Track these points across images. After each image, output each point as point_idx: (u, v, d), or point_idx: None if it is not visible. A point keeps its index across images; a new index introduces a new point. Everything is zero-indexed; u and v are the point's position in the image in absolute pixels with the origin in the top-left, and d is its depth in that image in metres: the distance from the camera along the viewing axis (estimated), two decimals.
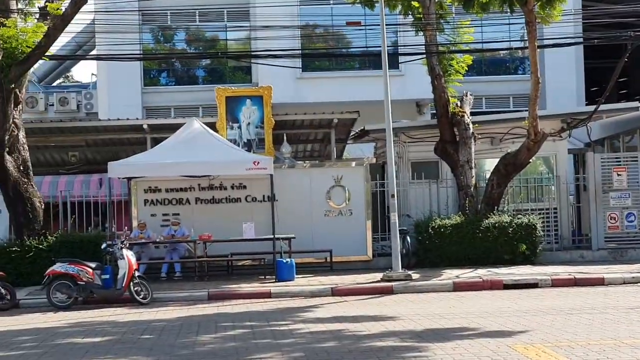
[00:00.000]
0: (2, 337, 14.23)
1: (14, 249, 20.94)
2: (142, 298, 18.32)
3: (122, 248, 18.51)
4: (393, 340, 12.23)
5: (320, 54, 35.86)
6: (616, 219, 23.63)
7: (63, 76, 57.09)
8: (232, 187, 22.89)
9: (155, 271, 22.15)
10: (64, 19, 20.07)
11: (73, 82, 61.69)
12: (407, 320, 14.31)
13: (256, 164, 20.68)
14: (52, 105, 38.48)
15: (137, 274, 18.51)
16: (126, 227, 20.92)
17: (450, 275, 20.22)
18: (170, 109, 37.42)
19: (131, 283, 18.30)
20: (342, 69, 37.07)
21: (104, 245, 19.01)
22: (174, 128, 22.81)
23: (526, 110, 22.72)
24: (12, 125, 20.97)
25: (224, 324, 14.76)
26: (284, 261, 20.63)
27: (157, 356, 11.68)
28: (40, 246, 20.91)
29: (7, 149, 21.00)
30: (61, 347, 12.75)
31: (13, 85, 20.40)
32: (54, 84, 49.89)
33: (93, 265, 18.48)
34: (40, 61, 23.17)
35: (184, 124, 22.36)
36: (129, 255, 18.50)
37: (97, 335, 13.82)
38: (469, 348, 11.32)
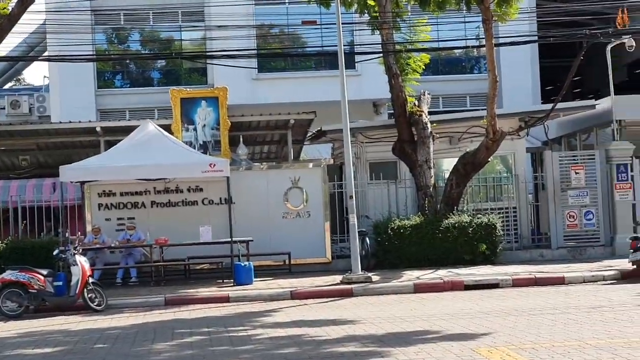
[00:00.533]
0: None
1: None
2: (96, 305, 17.87)
3: (75, 254, 18.06)
4: (354, 345, 11.96)
5: (276, 54, 35.57)
6: (575, 217, 23.58)
7: (14, 79, 56.27)
8: (189, 190, 22.52)
9: (110, 277, 21.68)
10: (11, 19, 19.59)
11: (25, 85, 60.94)
12: (367, 323, 14.04)
13: (212, 166, 20.34)
14: (4, 108, 37.82)
15: (91, 280, 18.06)
16: (79, 232, 20.44)
17: (411, 276, 20.01)
18: (125, 112, 36.90)
19: (85, 290, 17.83)
20: (298, 70, 36.81)
21: (56, 252, 18.53)
22: (128, 130, 22.39)
23: (483, 109, 22.63)
24: None
25: (180, 330, 14.40)
26: (242, 264, 20.31)
27: None
28: None
29: None
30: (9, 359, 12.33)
31: None
32: (6, 87, 49.14)
33: (45, 272, 17.99)
34: None
35: (138, 126, 21.94)
36: (82, 261, 18.05)
37: (48, 346, 13.39)
38: (432, 352, 11.07)
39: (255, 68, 34.35)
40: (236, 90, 32.42)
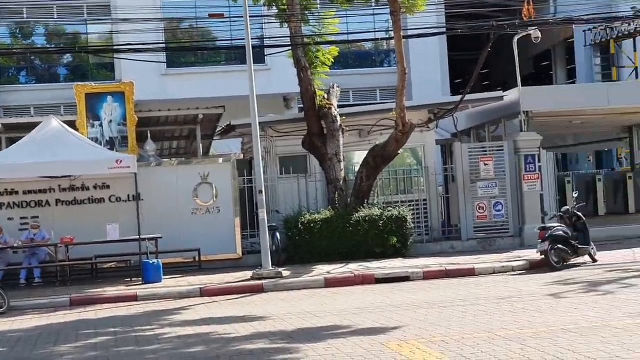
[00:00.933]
0: None
1: None
2: None
3: None
4: (263, 342, 11.75)
5: (184, 48, 35.10)
6: (484, 209, 23.73)
7: None
8: (95, 187, 21.99)
9: (13, 277, 21.05)
10: None
11: None
12: (277, 319, 13.84)
13: (119, 162, 19.88)
14: None
15: None
16: None
17: (321, 270, 19.86)
18: (29, 108, 36.09)
19: None
20: (208, 64, 36.49)
21: None
22: (30, 127, 21.68)
23: (393, 102, 22.58)
24: None
25: (85, 331, 13.99)
26: (150, 262, 19.91)
27: None
28: None
29: None
30: None
31: None
32: None
33: None
34: None
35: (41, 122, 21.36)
36: None
37: None
38: (342, 347, 10.92)
39: (163, 62, 33.89)
40: (145, 86, 31.99)
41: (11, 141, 22.78)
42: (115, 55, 32.61)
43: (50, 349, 12.32)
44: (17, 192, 21.76)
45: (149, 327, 13.95)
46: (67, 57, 38.67)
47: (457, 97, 24.84)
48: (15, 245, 20.80)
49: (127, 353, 11.60)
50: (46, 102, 35.29)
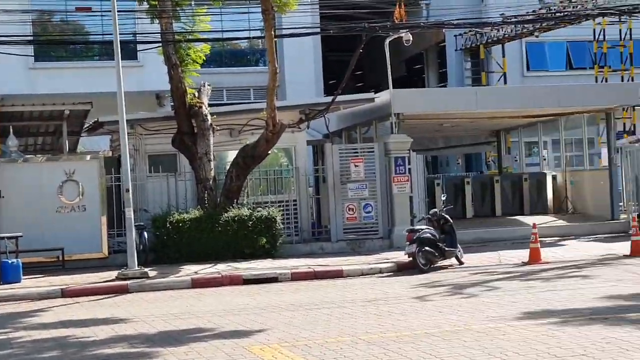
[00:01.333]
0: None
1: None
2: None
3: None
4: (122, 346, 11.41)
5: (51, 42, 34.15)
6: (354, 210, 23.76)
7: None
8: None
9: None
10: None
11: None
12: (140, 322, 13.50)
13: None
14: None
15: None
16: None
17: (189, 271, 19.52)
18: None
19: None
20: (78, 59, 35.56)
21: None
22: None
23: (266, 102, 22.38)
24: None
25: None
26: (9, 262, 19.20)
27: None
28: None
29: None
30: None
31: None
32: None
33: None
34: None
35: None
36: None
37: None
38: (203, 352, 10.69)
39: (31, 56, 32.88)
40: (11, 80, 31.04)
41: None
42: None
43: None
44: None
45: (2, 330, 13.39)
46: None
47: (330, 98, 24.84)
48: None
49: None
50: None
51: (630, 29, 39.56)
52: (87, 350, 11.24)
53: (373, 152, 24.08)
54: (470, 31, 40.99)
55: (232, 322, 12.99)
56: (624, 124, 39.33)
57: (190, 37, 23.32)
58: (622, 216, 26.47)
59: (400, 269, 19.59)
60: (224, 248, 21.39)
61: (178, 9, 22.94)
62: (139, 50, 30.86)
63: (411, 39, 26.92)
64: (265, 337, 11.54)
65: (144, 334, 12.27)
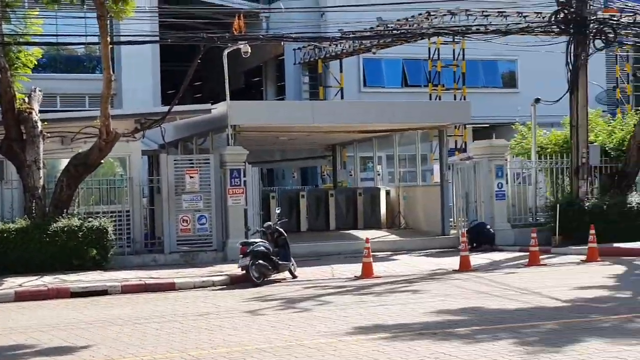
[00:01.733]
0: None
1: None
2: None
3: None
4: None
5: None
6: (188, 222, 23.41)
7: None
8: None
9: None
10: None
11: None
12: None
13: None
14: None
15: None
16: None
17: (13, 284, 18.70)
18: None
19: None
20: None
21: None
22: None
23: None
24: None
25: None
26: None
27: None
28: None
29: None
30: None
31: None
32: None
33: None
34: None
35: None
36: None
37: None
38: None
39: None
40: None
41: None
42: None
43: None
44: None
45: None
46: None
47: (166, 108, 24.44)
48: None
49: None
50: None
51: (463, 50, 40.75)
52: None
53: (209, 163, 23.82)
54: (309, 45, 41.32)
55: (55, 338, 12.48)
56: (456, 141, 40.48)
57: (21, 39, 22.49)
58: (452, 231, 27.08)
59: (234, 282, 19.38)
60: (52, 259, 20.64)
61: (8, 9, 22.11)
62: None
63: (249, 51, 26.84)
64: (91, 354, 11.12)
65: None
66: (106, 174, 23.60)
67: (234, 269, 20.08)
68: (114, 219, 22.41)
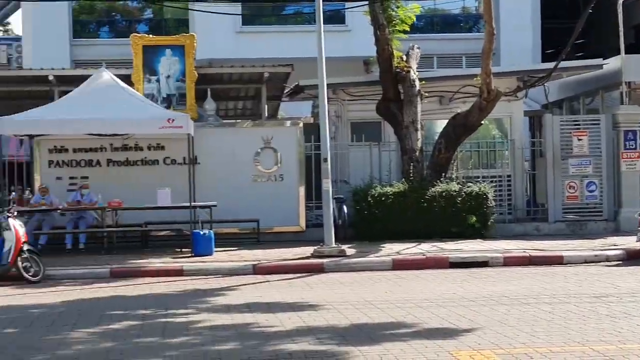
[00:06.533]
0: None
1: None
2: (31, 275, 15.74)
3: (8, 217, 15.91)
4: (308, 340, 9.81)
5: (261, 4, 33.18)
6: (575, 189, 21.42)
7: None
8: (149, 148, 20.38)
9: (58, 242, 19.54)
10: None
11: (14, 35, 58.44)
12: (331, 309, 11.90)
13: (170, 121, 18.06)
14: None
15: (26, 247, 15.88)
16: (17, 191, 18.28)
17: (390, 250, 17.82)
18: (101, 63, 34.56)
19: (19, 258, 15.69)
20: (286, 24, 34.49)
21: None
22: (85, 80, 20.05)
23: (479, 69, 20.31)
24: None
25: (112, 312, 12.22)
26: (201, 233, 18.10)
27: None
28: None
29: None
30: None
31: None
32: None
33: None
34: None
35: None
36: (16, 225, 15.89)
37: None
38: (400, 356, 8.92)
39: (238, 15, 31.98)
40: (218, 44, 30.24)
41: (65, 94, 21.16)
42: (190, 7, 30.78)
43: (64, 335, 10.57)
44: (66, 150, 20.29)
45: (183, 311, 12.12)
46: (147, 13, 37.17)
47: (550, 65, 22.45)
48: (60, 207, 19.23)
49: (146, 346, 9.76)
50: (119, 57, 33.64)
51: None
52: (267, 343, 9.70)
53: (598, 124, 21.61)
54: None
55: (435, 317, 11.16)
56: None
57: None
58: None
59: (630, 258, 17.17)
60: (429, 226, 19.58)
61: None
62: (347, 8, 29.26)
63: None
64: (475, 340, 9.64)
65: (334, 327, 10.62)
66: (482, 136, 22.12)
67: (630, 243, 17.88)
68: (493, 184, 20.90)
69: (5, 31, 62.86)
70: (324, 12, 18.31)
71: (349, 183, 21.14)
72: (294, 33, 32.73)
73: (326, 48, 18.21)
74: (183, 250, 18.63)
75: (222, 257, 17.58)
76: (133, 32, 35.43)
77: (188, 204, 18.47)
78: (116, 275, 16.19)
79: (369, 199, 19.71)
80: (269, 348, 9.49)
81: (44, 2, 29.94)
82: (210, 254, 17.89)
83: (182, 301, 13.07)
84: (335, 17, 31.03)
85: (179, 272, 16.33)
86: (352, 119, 22.30)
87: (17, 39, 41.01)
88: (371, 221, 19.73)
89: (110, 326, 11.08)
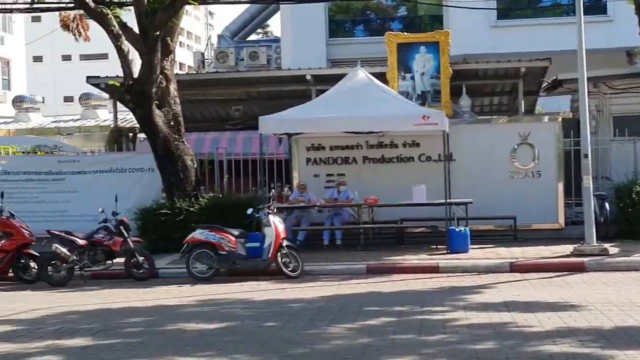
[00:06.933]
0: (113, 316, 12.36)
1: (163, 211, 19.19)
2: (290, 270, 16.15)
3: (268, 213, 16.38)
4: (569, 342, 9.42)
5: None
6: None
7: (257, 31, 56.20)
8: (404, 145, 20.38)
9: (316, 238, 19.96)
10: None
11: (272, 37, 60.63)
12: (593, 311, 11.39)
13: (425, 118, 17.98)
14: (242, 60, 37.09)
15: (285, 243, 16.33)
16: (277, 188, 18.81)
17: None
18: (356, 62, 35.08)
19: (278, 253, 16.15)
20: (542, 16, 33.65)
21: (250, 211, 16.79)
22: (340, 79, 20.38)
23: None
24: (161, 76, 19.15)
25: (369, 308, 12.30)
26: (457, 230, 17.92)
27: (265, 356, 9.35)
28: (191, 209, 19.03)
29: (156, 102, 19.22)
30: (163, 336, 10.64)
31: (158, 33, 18.51)
32: (249, 38, 48.96)
33: (236, 232, 16.47)
34: (233, 16, 21.34)
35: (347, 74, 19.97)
36: (276, 221, 16.35)
37: (216, 320, 11.67)
38: None
39: (494, 9, 31.50)
40: (473, 40, 29.93)
41: (321, 93, 21.62)
42: (444, 3, 30.72)
43: (322, 329, 10.73)
44: (323, 148, 20.65)
45: (440, 308, 12.00)
46: (401, 10, 37.43)
47: None
48: (317, 204, 19.62)
49: (402, 344, 9.71)
50: (373, 55, 34.05)
51: None
52: (526, 344, 9.39)
53: None
54: None
55: None
56: None
57: None
58: None
59: None
60: None
61: None
62: None
63: None
64: None
65: (596, 329, 10.16)
66: None
67: None
68: None
69: (265, 33, 65.45)
70: (583, 2, 17.61)
71: (611, 179, 20.27)
72: (551, 25, 31.90)
73: (586, 39, 17.51)
74: (438, 247, 18.50)
75: (477, 255, 17.33)
76: (387, 30, 35.92)
77: (443, 201, 18.31)
78: (372, 272, 16.31)
79: (633, 196, 18.83)
80: (527, 349, 9.19)
81: (301, 4, 30.77)
82: (465, 251, 17.68)
83: (438, 298, 12.97)
84: (595, 7, 29.97)
85: (434, 269, 16.24)
86: (614, 113, 21.40)
87: (276, 40, 42.44)
88: (635, 219, 18.82)
89: (367, 322, 11.14)
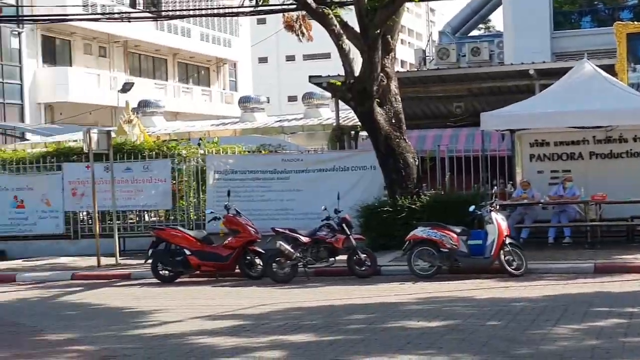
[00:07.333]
0: (335, 313, 12.48)
1: (384, 209, 19.23)
2: (514, 269, 15.79)
3: (490, 211, 16.11)
4: None
5: None
6: None
7: (479, 26, 55.73)
8: (635, 140, 19.54)
9: (540, 236, 19.46)
10: None
11: (494, 32, 59.90)
12: None
13: None
14: (464, 56, 36.88)
15: (508, 240, 15.98)
16: (500, 185, 18.47)
17: None
18: (582, 55, 34.01)
19: (501, 251, 15.83)
20: None
21: (472, 208, 16.55)
22: (565, 73, 19.80)
23: None
24: (382, 74, 19.22)
25: (597, 308, 11.85)
26: None
27: (487, 355, 9.16)
28: (413, 206, 18.97)
29: (377, 100, 19.31)
30: (386, 333, 10.63)
31: (379, 31, 18.59)
32: (470, 34, 48.69)
33: (458, 230, 16.27)
34: (454, 12, 21.32)
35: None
36: (498, 219, 16.03)
37: (437, 318, 11.57)
38: None
39: None
40: None
41: (545, 88, 21.08)
42: None
43: (547, 330, 10.41)
44: (547, 144, 20.17)
45: None
46: None
47: None
48: (542, 201, 19.13)
49: (634, 347, 9.27)
50: (602, 47, 32.93)
51: None
52: None
53: None
54: None
55: None
56: None
57: None
58: None
59: None
60: None
61: None
62: None
63: None
64: None
65: None
66: None
67: None
68: None
69: (487, 28, 64.65)
70: None
71: None
72: None
73: None
74: None
75: None
76: (616, 20, 34.60)
77: None
78: (600, 271, 15.71)
79: None
80: None
81: None
82: None
83: None
84: None
85: None
86: None
87: (498, 35, 41.81)
88: None
89: (594, 323, 10.73)
